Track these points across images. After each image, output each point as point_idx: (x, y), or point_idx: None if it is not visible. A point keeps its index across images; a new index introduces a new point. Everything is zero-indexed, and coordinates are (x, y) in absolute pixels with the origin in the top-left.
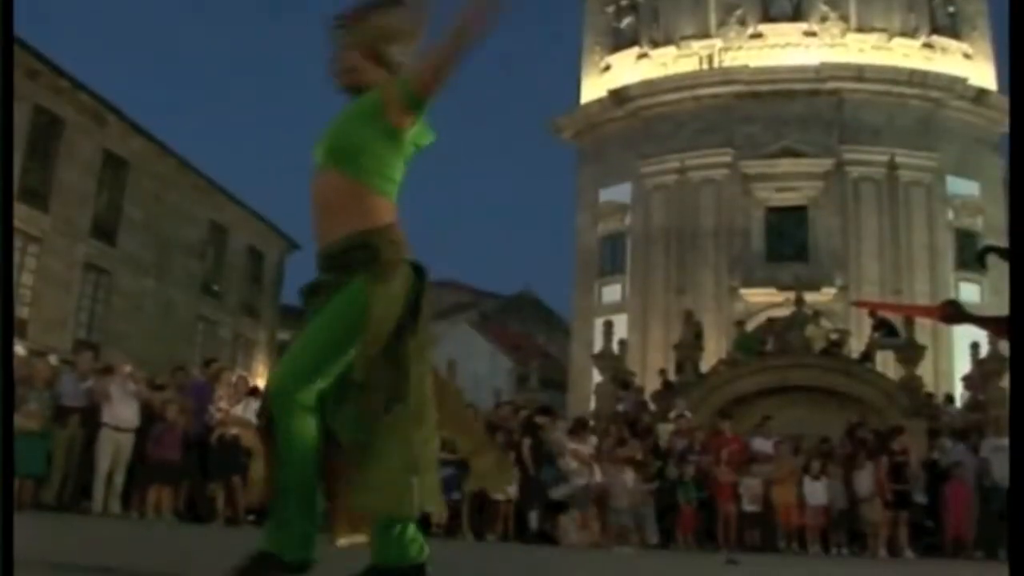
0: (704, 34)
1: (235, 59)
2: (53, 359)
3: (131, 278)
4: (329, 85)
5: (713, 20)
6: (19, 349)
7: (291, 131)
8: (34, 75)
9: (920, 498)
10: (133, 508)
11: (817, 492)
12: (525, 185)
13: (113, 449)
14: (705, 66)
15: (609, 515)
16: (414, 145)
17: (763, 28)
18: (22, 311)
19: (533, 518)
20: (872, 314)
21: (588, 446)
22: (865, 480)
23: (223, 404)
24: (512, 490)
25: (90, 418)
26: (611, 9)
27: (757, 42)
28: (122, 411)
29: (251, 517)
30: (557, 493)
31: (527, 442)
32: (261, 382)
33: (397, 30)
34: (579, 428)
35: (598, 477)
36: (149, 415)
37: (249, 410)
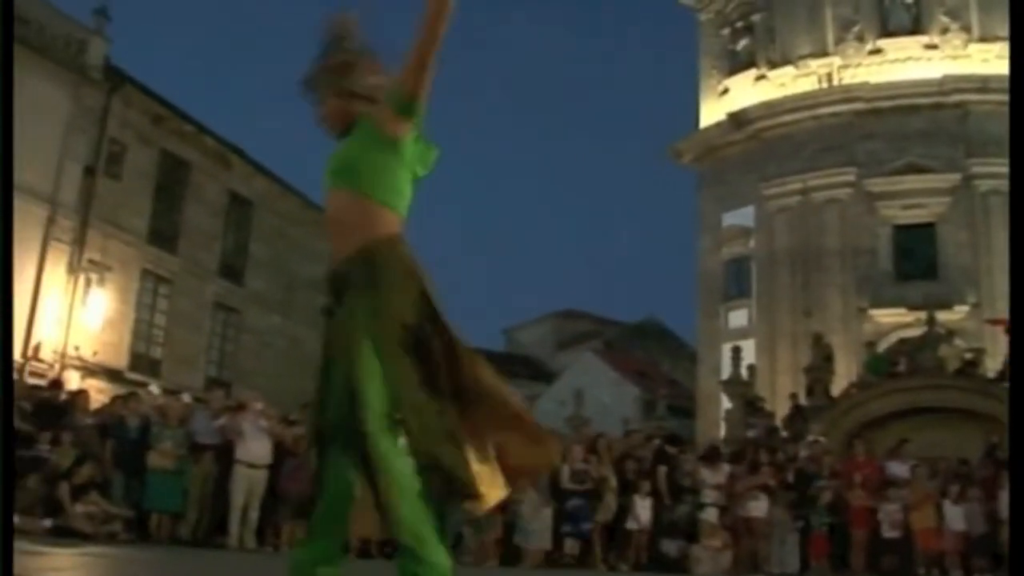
0: (822, 52)
1: None
2: (186, 397)
3: (259, 315)
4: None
5: (831, 38)
6: (153, 388)
7: None
8: (159, 121)
9: None
10: (267, 542)
11: (956, 516)
12: (646, 211)
13: (247, 485)
14: (824, 84)
15: (742, 543)
16: (421, 165)
17: (882, 43)
18: (155, 351)
19: (667, 547)
20: (1008, 331)
21: (721, 474)
22: (1007, 502)
23: None
24: (645, 519)
25: (224, 455)
26: (726, 32)
27: (876, 58)
28: (255, 447)
29: (383, 551)
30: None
31: (661, 471)
32: None
33: (347, 62)
34: (713, 456)
35: (728, 504)
36: (281, 451)
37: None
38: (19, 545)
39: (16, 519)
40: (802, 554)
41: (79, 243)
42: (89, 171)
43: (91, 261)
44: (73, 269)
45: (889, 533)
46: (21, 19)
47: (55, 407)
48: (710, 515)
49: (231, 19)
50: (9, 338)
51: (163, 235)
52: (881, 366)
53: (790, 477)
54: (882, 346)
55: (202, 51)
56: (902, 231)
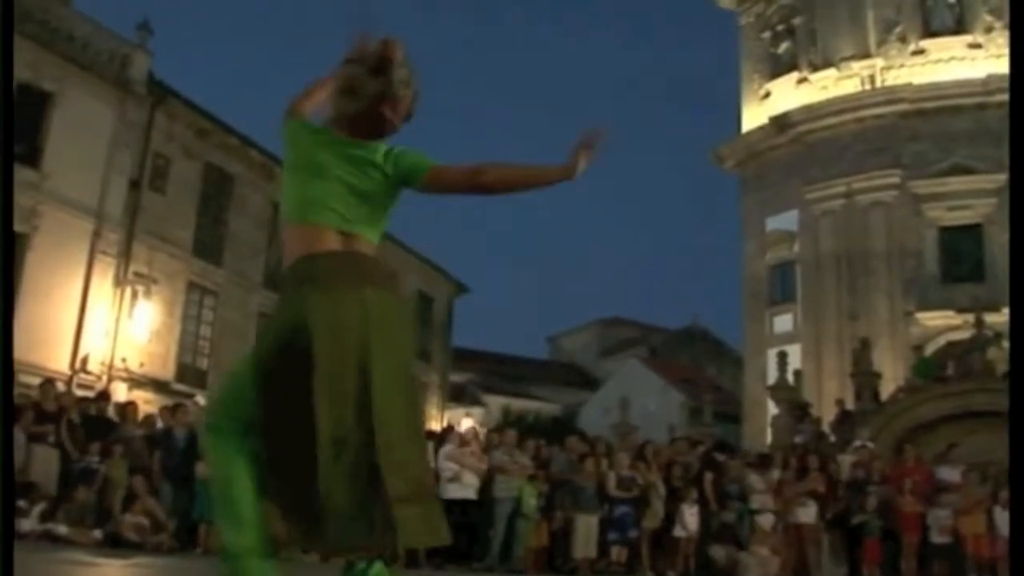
0: (864, 54)
1: None
2: None
3: None
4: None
5: (873, 39)
6: (200, 399)
7: None
8: (203, 134)
9: None
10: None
11: (1007, 522)
12: (690, 217)
13: None
14: (867, 87)
15: (791, 550)
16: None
17: (925, 44)
18: (202, 362)
19: (715, 553)
20: None
21: (771, 480)
22: None
23: None
24: (692, 526)
25: None
26: (767, 35)
27: (919, 58)
28: None
29: (432, 560)
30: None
31: (708, 477)
32: (436, 425)
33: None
34: (763, 462)
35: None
36: None
37: (429, 454)
38: (71, 555)
39: (66, 530)
40: (850, 561)
41: (125, 256)
42: (134, 185)
43: (137, 274)
44: (119, 282)
45: (939, 539)
46: (66, 36)
47: (104, 419)
48: (764, 521)
49: (274, 32)
50: (9, 337)
51: (208, 247)
52: (929, 370)
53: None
54: (930, 349)
55: (245, 64)
56: (948, 233)
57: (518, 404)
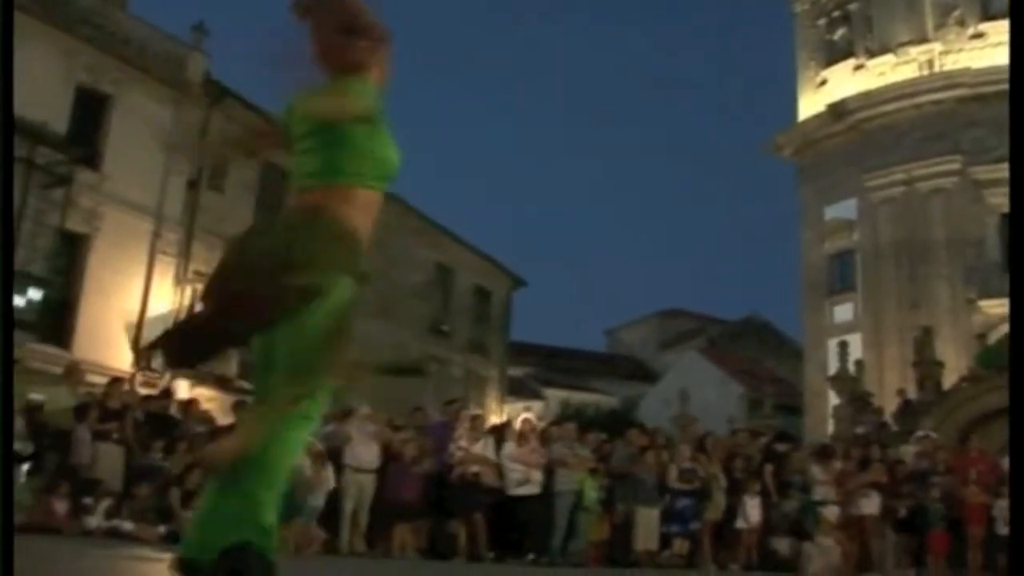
0: (922, 39)
1: (446, 104)
2: None
3: (361, 322)
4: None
5: (930, 24)
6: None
7: (511, 170)
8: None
9: None
10: (377, 547)
11: None
12: (747, 207)
13: (356, 490)
14: (925, 72)
15: (853, 541)
16: None
17: (984, 27)
18: None
19: (779, 546)
20: None
21: (833, 471)
22: None
23: (463, 443)
24: (754, 518)
25: (332, 460)
26: (822, 22)
27: (978, 42)
28: (363, 453)
29: (491, 555)
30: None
31: (768, 469)
32: (495, 419)
33: None
34: (826, 453)
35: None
36: (389, 456)
37: (488, 448)
38: (135, 551)
39: (130, 526)
40: (915, 552)
41: (185, 255)
42: (192, 184)
43: (197, 273)
44: (179, 281)
45: (1004, 530)
46: (123, 39)
47: (166, 416)
48: (827, 512)
49: None
50: (10, 339)
51: None
52: (993, 359)
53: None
54: (993, 338)
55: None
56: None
57: (577, 397)
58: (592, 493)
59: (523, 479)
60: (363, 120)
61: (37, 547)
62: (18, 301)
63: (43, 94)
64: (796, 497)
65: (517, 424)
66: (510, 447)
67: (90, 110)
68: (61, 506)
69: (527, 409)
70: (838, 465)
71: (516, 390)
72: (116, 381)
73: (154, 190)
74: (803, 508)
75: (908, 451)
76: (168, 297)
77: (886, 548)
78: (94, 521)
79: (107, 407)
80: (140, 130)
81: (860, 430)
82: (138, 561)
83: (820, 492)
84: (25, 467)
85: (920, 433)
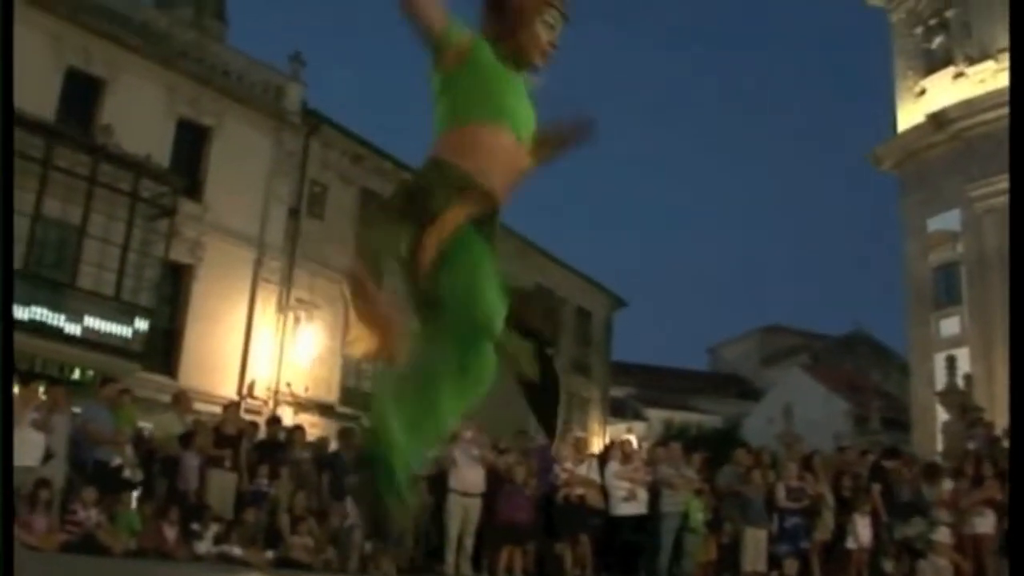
0: None
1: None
2: None
3: None
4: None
5: None
6: (365, 422)
7: (611, 190)
8: (358, 160)
9: None
10: (484, 570)
11: None
12: (846, 220)
13: (462, 513)
14: None
15: (968, 561)
16: None
17: None
18: (366, 385)
19: (887, 565)
20: None
21: (944, 489)
22: None
23: (568, 465)
24: (865, 537)
25: (437, 484)
26: (919, 30)
27: None
28: (468, 475)
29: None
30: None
31: (876, 487)
32: (597, 440)
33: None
34: (934, 471)
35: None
36: (495, 478)
37: (593, 470)
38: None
39: (240, 551)
40: None
41: (287, 282)
42: (293, 212)
43: (299, 299)
44: (282, 308)
45: None
46: (222, 71)
47: (274, 442)
48: (940, 531)
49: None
50: (10, 338)
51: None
52: None
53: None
54: None
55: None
56: None
57: (680, 417)
58: (698, 514)
59: (628, 496)
60: (447, 49)
61: (150, 571)
62: (125, 331)
63: (146, 128)
64: (908, 516)
65: (620, 445)
66: (614, 466)
67: (191, 142)
68: (171, 532)
69: (629, 430)
70: (948, 482)
71: (618, 411)
72: (234, 405)
73: (255, 219)
74: (916, 527)
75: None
76: (271, 324)
77: (1003, 568)
78: (203, 546)
79: (222, 433)
80: (241, 160)
81: (971, 446)
82: None
83: (932, 511)
84: (135, 493)
85: None
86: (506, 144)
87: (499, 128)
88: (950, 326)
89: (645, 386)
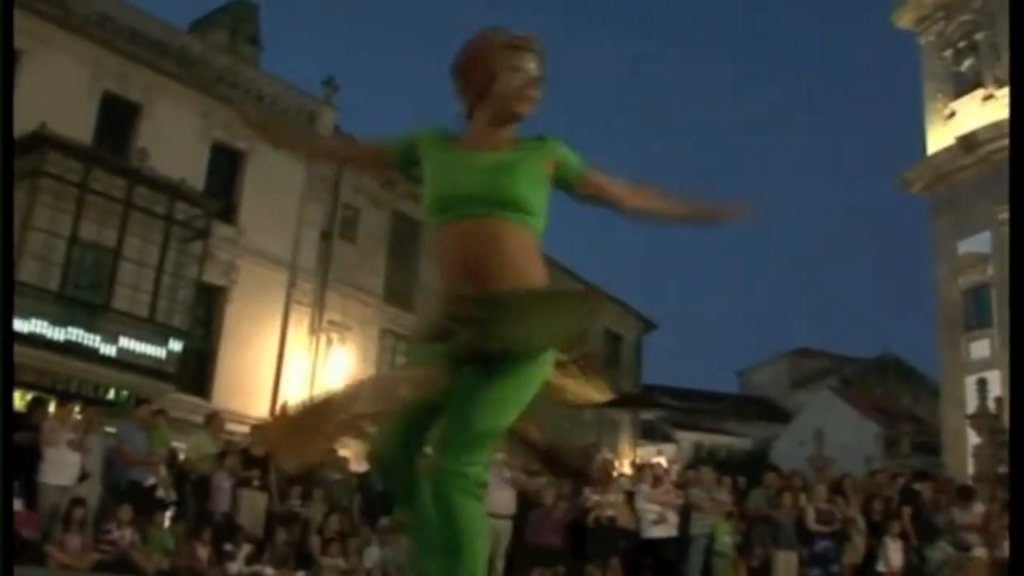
0: None
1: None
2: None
3: None
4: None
5: None
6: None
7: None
8: (390, 184)
9: None
10: None
11: None
12: (877, 243)
13: (492, 535)
14: None
15: None
16: None
17: None
18: None
19: None
20: None
21: (975, 513)
22: None
23: (597, 487)
24: (896, 561)
25: None
26: (949, 53)
27: None
28: (499, 498)
29: None
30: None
31: (907, 511)
32: (627, 462)
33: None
34: (966, 494)
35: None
36: (525, 501)
37: (622, 492)
38: None
39: (271, 571)
40: None
41: (319, 305)
42: (325, 236)
43: (331, 322)
44: (315, 330)
45: None
46: (256, 95)
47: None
48: (971, 555)
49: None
50: (10, 337)
51: (399, 293)
52: None
53: None
54: None
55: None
56: None
57: (710, 440)
58: (725, 537)
59: (658, 519)
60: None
61: None
62: (159, 352)
63: (181, 152)
64: (939, 540)
65: (650, 468)
66: (644, 488)
67: (226, 165)
68: (204, 552)
69: (659, 452)
70: (980, 506)
71: (648, 434)
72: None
73: (288, 242)
74: (945, 552)
75: None
76: (304, 346)
77: None
78: (235, 567)
79: (250, 454)
80: (274, 184)
81: (1003, 469)
82: None
83: (963, 534)
84: (169, 513)
85: None
86: (452, 245)
87: (447, 226)
88: (980, 349)
89: (675, 409)
